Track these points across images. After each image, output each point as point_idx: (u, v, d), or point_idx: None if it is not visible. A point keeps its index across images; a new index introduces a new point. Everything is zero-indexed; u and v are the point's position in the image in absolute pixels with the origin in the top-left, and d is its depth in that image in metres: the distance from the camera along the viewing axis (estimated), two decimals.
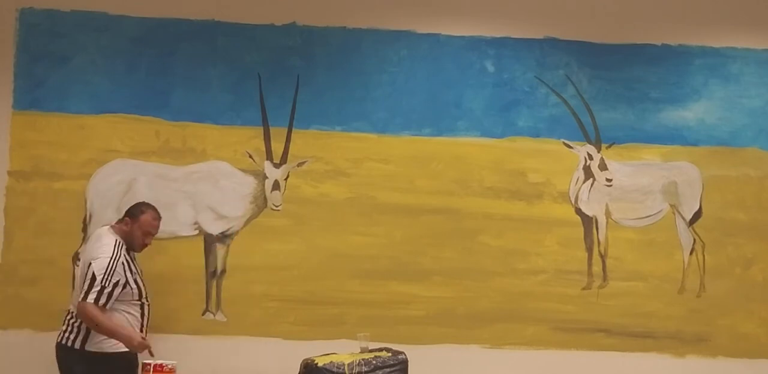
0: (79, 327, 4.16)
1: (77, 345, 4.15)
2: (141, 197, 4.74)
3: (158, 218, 4.39)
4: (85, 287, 4.08)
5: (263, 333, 4.76)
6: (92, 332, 4.12)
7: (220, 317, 4.78)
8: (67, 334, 4.19)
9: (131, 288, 4.18)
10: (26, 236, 4.72)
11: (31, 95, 4.81)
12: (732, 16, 5.15)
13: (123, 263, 4.16)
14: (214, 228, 4.82)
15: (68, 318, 4.22)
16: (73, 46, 4.86)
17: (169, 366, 4.06)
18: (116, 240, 4.21)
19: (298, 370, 4.21)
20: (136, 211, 4.33)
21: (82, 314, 4.08)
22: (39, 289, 4.68)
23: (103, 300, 4.06)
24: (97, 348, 4.14)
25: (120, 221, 4.35)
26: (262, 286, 4.79)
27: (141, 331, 4.22)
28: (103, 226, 4.39)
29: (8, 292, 4.69)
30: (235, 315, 4.78)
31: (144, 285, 4.28)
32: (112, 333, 4.10)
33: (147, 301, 4.28)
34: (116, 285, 4.10)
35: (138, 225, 4.29)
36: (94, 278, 4.07)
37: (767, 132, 5.10)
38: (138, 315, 4.23)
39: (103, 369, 4.15)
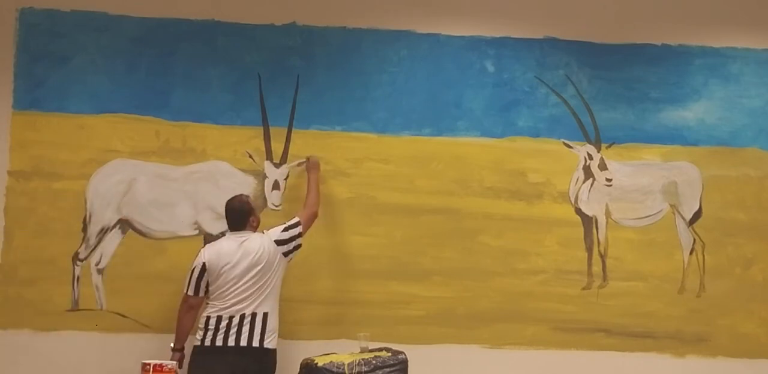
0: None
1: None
2: (141, 197, 4.75)
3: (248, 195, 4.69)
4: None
5: None
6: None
7: None
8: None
9: None
10: (26, 236, 4.72)
11: (31, 95, 4.81)
12: (732, 16, 5.15)
13: None
14: (214, 228, 4.82)
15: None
16: (73, 46, 4.86)
17: (169, 366, 4.06)
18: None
19: (298, 370, 4.21)
20: (245, 207, 4.49)
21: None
22: (39, 289, 4.68)
23: None
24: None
25: (243, 226, 4.46)
26: None
27: (205, 330, 4.39)
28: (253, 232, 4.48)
29: (8, 292, 4.68)
30: None
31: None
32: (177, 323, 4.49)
33: None
34: None
35: (256, 210, 4.55)
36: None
37: (767, 132, 5.11)
38: None
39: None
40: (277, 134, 4.90)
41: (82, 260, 4.74)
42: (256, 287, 4.31)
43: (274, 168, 4.87)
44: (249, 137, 4.89)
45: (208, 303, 4.36)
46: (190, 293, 4.37)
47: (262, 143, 4.89)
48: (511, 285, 4.89)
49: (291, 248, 4.44)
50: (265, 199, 4.85)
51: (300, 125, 4.91)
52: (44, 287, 4.68)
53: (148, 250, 4.73)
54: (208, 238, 4.81)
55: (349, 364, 4.08)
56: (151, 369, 4.03)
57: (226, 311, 4.28)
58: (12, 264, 4.70)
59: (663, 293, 4.95)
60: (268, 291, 4.33)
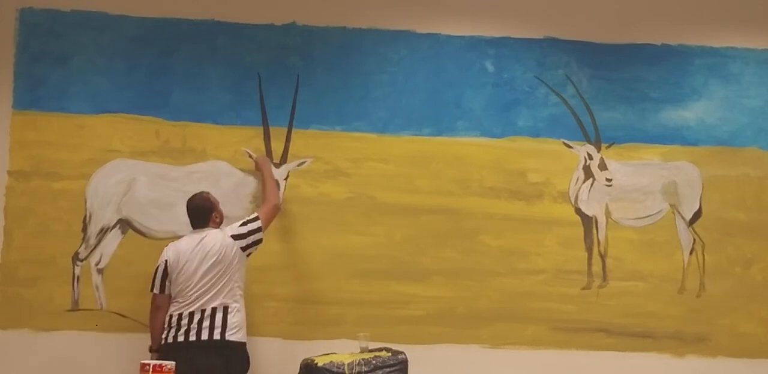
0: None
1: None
2: (141, 197, 4.75)
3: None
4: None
5: (263, 333, 4.75)
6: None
7: None
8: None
9: None
10: (26, 236, 4.72)
11: (31, 95, 4.81)
12: (732, 16, 5.15)
13: None
14: None
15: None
16: (73, 46, 4.86)
17: (168, 366, 4.06)
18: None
19: (298, 370, 4.21)
20: (207, 203, 4.53)
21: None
22: (39, 289, 4.68)
23: None
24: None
25: (205, 223, 4.51)
26: (262, 286, 4.78)
27: (169, 328, 4.43)
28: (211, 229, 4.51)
29: (8, 292, 4.69)
30: None
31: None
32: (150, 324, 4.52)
33: None
34: None
35: (217, 206, 4.59)
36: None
37: (767, 132, 5.11)
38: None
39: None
40: (277, 134, 4.90)
41: (82, 260, 4.74)
42: (214, 282, 4.32)
43: (274, 168, 4.87)
44: (249, 137, 4.89)
45: (172, 302, 4.38)
46: (156, 291, 4.40)
47: (262, 143, 4.89)
48: (511, 284, 4.89)
49: (249, 242, 4.44)
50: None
51: (300, 125, 4.91)
52: (44, 287, 4.68)
53: (148, 250, 4.72)
54: None
55: (349, 364, 4.08)
56: (151, 369, 4.02)
57: (188, 307, 4.30)
58: (12, 264, 4.70)
59: (663, 293, 4.95)
60: (229, 285, 4.35)
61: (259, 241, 4.49)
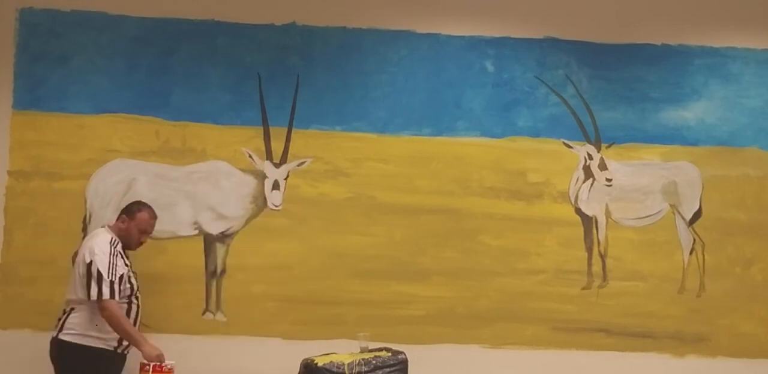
0: (61, 318, 4.23)
1: (54, 334, 4.23)
2: (141, 197, 4.74)
3: (154, 216, 4.45)
4: (93, 284, 4.13)
5: (263, 333, 4.76)
6: (68, 322, 4.20)
7: (220, 317, 4.78)
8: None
9: (127, 285, 4.24)
10: (26, 236, 4.72)
11: (31, 95, 4.81)
12: (732, 16, 5.15)
13: (121, 257, 4.26)
14: (214, 228, 4.82)
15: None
16: (73, 46, 4.86)
17: (168, 367, 4.06)
18: (111, 238, 4.28)
19: (298, 370, 4.21)
20: (133, 209, 4.40)
21: (105, 311, 4.13)
22: (39, 289, 4.67)
23: (115, 295, 4.15)
24: (70, 338, 4.20)
25: (117, 219, 4.40)
26: (262, 286, 4.79)
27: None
28: (101, 226, 4.43)
29: (8, 292, 4.69)
30: (235, 315, 4.78)
31: (137, 283, 4.32)
32: (129, 338, 4.21)
33: (137, 301, 4.32)
34: (121, 278, 4.19)
35: (135, 223, 4.36)
36: (100, 274, 4.13)
37: (767, 132, 5.10)
38: (125, 313, 4.26)
39: (77, 361, 4.21)
40: (277, 133, 4.90)
41: None
42: (72, 281, 4.27)
43: (274, 168, 4.87)
44: (249, 137, 4.89)
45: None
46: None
47: (262, 143, 4.89)
48: (511, 284, 4.89)
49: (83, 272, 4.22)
50: (265, 199, 4.85)
51: (300, 124, 4.91)
52: (44, 287, 4.67)
53: (148, 250, 4.72)
54: (208, 238, 4.82)
55: (349, 364, 4.08)
56: (150, 370, 4.02)
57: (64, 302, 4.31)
58: (12, 264, 4.71)
59: (663, 293, 4.95)
60: (77, 287, 4.25)
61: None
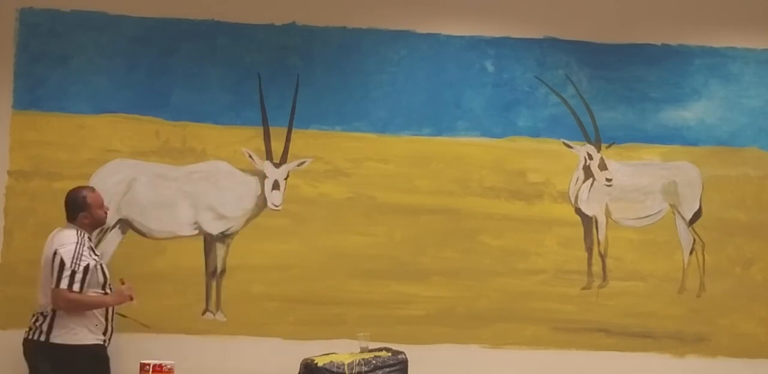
0: (43, 323, 4.18)
1: (42, 338, 4.17)
2: (141, 197, 4.75)
3: (93, 189, 4.40)
4: (55, 274, 4.10)
5: (263, 333, 4.76)
6: (56, 324, 4.15)
7: (220, 317, 4.78)
8: (32, 330, 4.22)
9: (97, 275, 4.21)
10: (26, 236, 4.72)
11: (31, 95, 4.81)
12: (732, 16, 5.15)
13: (89, 248, 4.21)
14: (214, 228, 4.82)
15: (34, 317, 4.24)
16: (73, 46, 4.86)
17: (168, 367, 4.06)
18: (77, 230, 4.25)
19: (298, 370, 4.21)
20: (78, 201, 4.29)
21: (59, 301, 4.09)
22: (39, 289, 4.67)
23: (76, 286, 4.10)
24: (62, 340, 4.16)
25: (73, 220, 4.30)
26: (262, 286, 4.79)
27: (105, 324, 4.25)
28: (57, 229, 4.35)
29: (8, 292, 4.69)
30: (235, 315, 4.78)
31: (109, 274, 4.29)
32: (98, 304, 4.18)
33: (111, 291, 4.29)
34: (86, 269, 4.14)
35: (91, 207, 4.29)
36: (62, 263, 4.10)
37: (767, 132, 5.10)
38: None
39: (70, 362, 4.17)
40: (277, 133, 4.90)
41: None
42: (45, 283, 4.22)
43: (274, 168, 4.87)
44: (249, 137, 4.89)
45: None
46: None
47: (262, 143, 4.89)
48: (511, 284, 4.90)
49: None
50: (265, 199, 4.85)
51: (300, 125, 4.91)
52: None
53: (148, 250, 4.73)
54: (208, 238, 4.82)
55: (349, 364, 4.08)
56: (150, 370, 4.02)
57: (39, 306, 4.26)
58: (12, 264, 4.70)
59: (663, 293, 4.95)
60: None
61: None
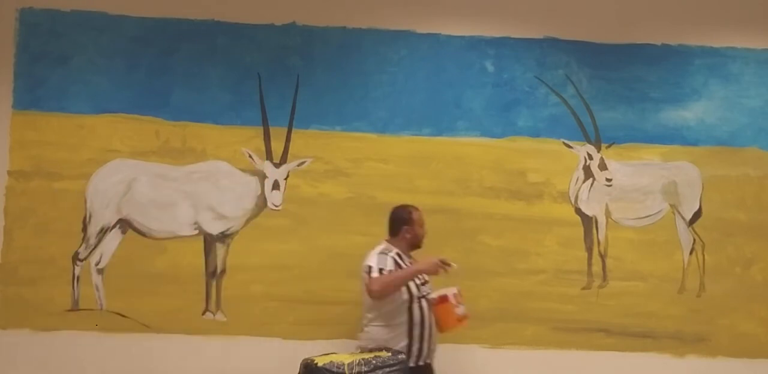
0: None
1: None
2: (141, 197, 4.75)
3: (417, 208, 4.44)
4: (365, 279, 4.13)
5: (263, 332, 4.76)
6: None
7: (220, 317, 4.78)
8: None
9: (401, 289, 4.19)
10: (26, 236, 4.73)
11: (31, 95, 4.82)
12: (732, 16, 5.15)
13: (392, 259, 4.21)
14: (214, 228, 4.82)
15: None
16: (73, 46, 4.86)
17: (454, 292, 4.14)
18: (384, 247, 4.27)
19: (298, 370, 4.21)
20: (404, 215, 4.37)
21: (376, 293, 4.09)
22: (39, 289, 4.68)
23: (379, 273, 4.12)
24: None
25: (395, 235, 4.36)
26: (262, 286, 4.79)
27: (422, 337, 4.25)
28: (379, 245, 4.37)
29: (8, 292, 4.69)
30: (235, 315, 4.78)
31: (418, 288, 4.25)
32: (408, 276, 4.16)
33: (420, 304, 4.25)
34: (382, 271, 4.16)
35: (414, 225, 4.35)
36: (369, 268, 4.14)
37: (767, 132, 5.11)
38: (404, 321, 4.22)
39: None
40: (277, 134, 4.90)
41: (82, 260, 4.74)
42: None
43: (274, 168, 4.88)
44: (249, 137, 4.89)
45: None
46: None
47: (262, 143, 4.89)
48: (511, 284, 4.90)
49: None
50: (265, 199, 4.85)
51: (300, 125, 4.91)
52: (44, 287, 4.68)
53: (148, 250, 4.73)
54: (208, 238, 4.82)
55: (349, 364, 4.08)
56: (453, 299, 4.11)
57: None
58: (12, 264, 4.71)
59: (663, 293, 4.95)
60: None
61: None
